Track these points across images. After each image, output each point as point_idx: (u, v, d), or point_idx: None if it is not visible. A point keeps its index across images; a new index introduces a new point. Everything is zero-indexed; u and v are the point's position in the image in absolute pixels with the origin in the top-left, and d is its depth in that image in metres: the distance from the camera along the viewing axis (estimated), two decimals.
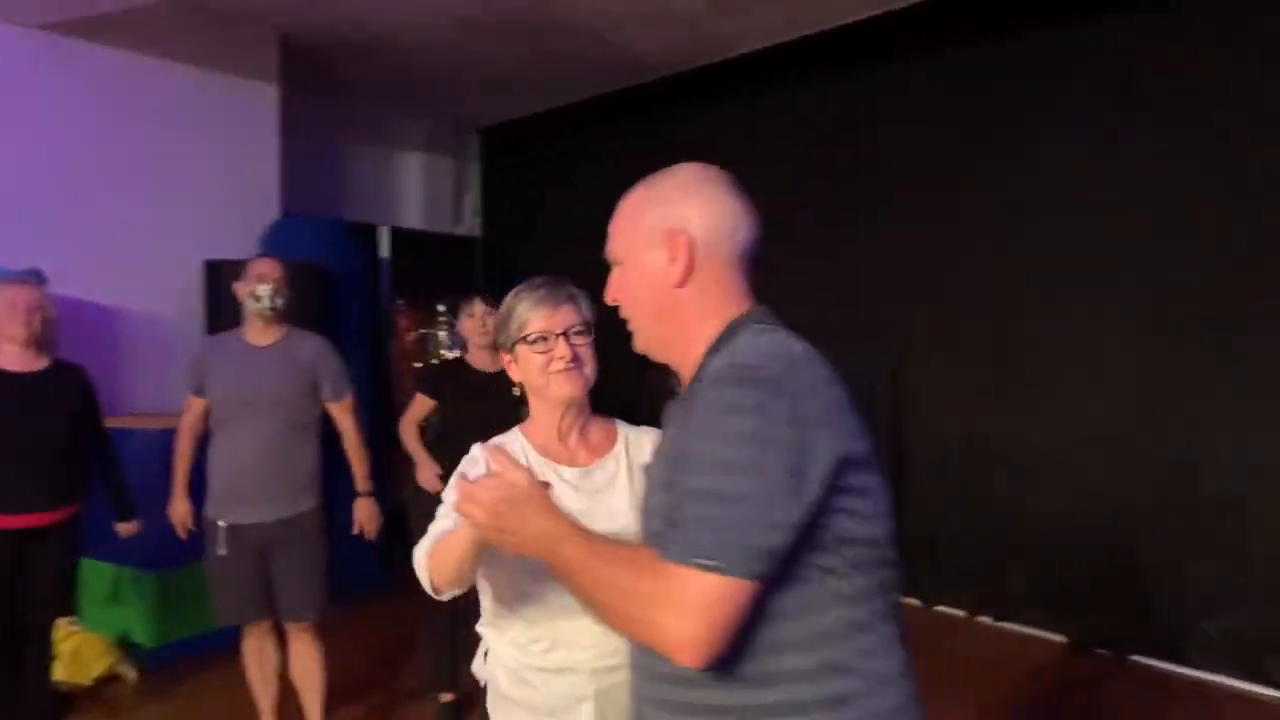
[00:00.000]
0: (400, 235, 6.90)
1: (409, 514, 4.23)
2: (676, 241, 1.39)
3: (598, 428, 1.93)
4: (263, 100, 5.96)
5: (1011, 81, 5.22)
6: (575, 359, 1.84)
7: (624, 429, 1.95)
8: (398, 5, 5.54)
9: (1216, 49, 4.54)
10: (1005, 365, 5.30)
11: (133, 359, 5.38)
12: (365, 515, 3.78)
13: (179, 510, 3.75)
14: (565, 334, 1.84)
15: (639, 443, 1.92)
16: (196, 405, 3.67)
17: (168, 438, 4.73)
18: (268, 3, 5.51)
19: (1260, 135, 4.39)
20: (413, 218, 7.75)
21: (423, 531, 1.78)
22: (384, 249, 6.69)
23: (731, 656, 1.24)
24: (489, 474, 1.38)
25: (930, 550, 5.54)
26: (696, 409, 1.28)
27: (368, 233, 6.47)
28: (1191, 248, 4.61)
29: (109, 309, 5.25)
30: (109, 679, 4.48)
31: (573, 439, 1.90)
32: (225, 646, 4.73)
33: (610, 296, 1.49)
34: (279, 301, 3.61)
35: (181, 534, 3.75)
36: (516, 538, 1.32)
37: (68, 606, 3.92)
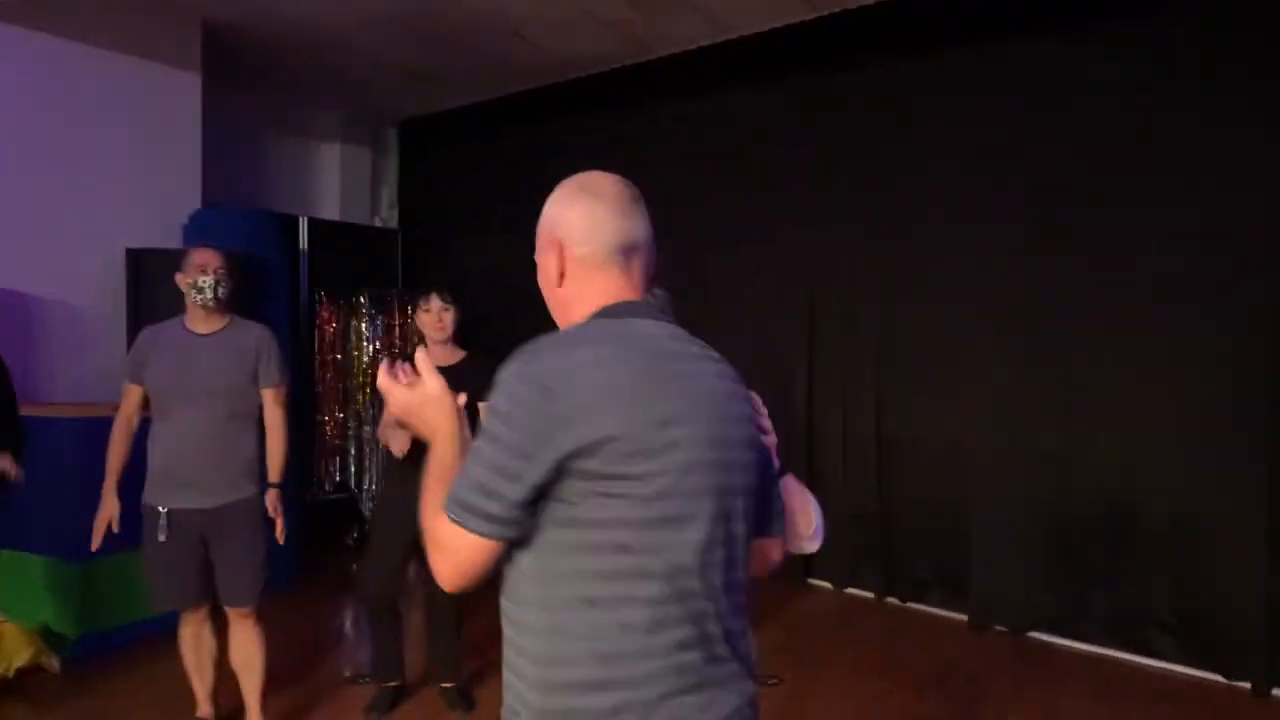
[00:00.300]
0: (318, 226, 6.88)
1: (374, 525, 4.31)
2: (554, 246, 1.60)
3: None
4: (185, 88, 5.89)
5: (905, 97, 5.53)
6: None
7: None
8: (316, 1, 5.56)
9: (1081, 68, 4.89)
10: (902, 363, 5.61)
11: (51, 348, 5.29)
12: (274, 506, 3.71)
13: (110, 508, 3.66)
14: None
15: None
16: (134, 394, 3.66)
17: (86, 426, 4.73)
18: None
19: (1129, 150, 4.75)
20: (330, 209, 7.73)
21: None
22: (303, 240, 6.67)
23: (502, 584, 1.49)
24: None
25: (841, 537, 5.82)
26: None
27: (289, 224, 6.44)
28: (1064, 249, 4.96)
29: (26, 296, 5.16)
30: (31, 670, 4.43)
31: None
32: (151, 637, 4.75)
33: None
34: (222, 291, 3.64)
35: (96, 539, 3.67)
36: (419, 422, 1.58)
37: None
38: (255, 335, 3.73)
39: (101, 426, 4.70)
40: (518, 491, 1.37)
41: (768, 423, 1.68)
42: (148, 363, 3.63)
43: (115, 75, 5.57)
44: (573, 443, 1.35)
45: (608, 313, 1.55)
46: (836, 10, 5.59)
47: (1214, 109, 4.54)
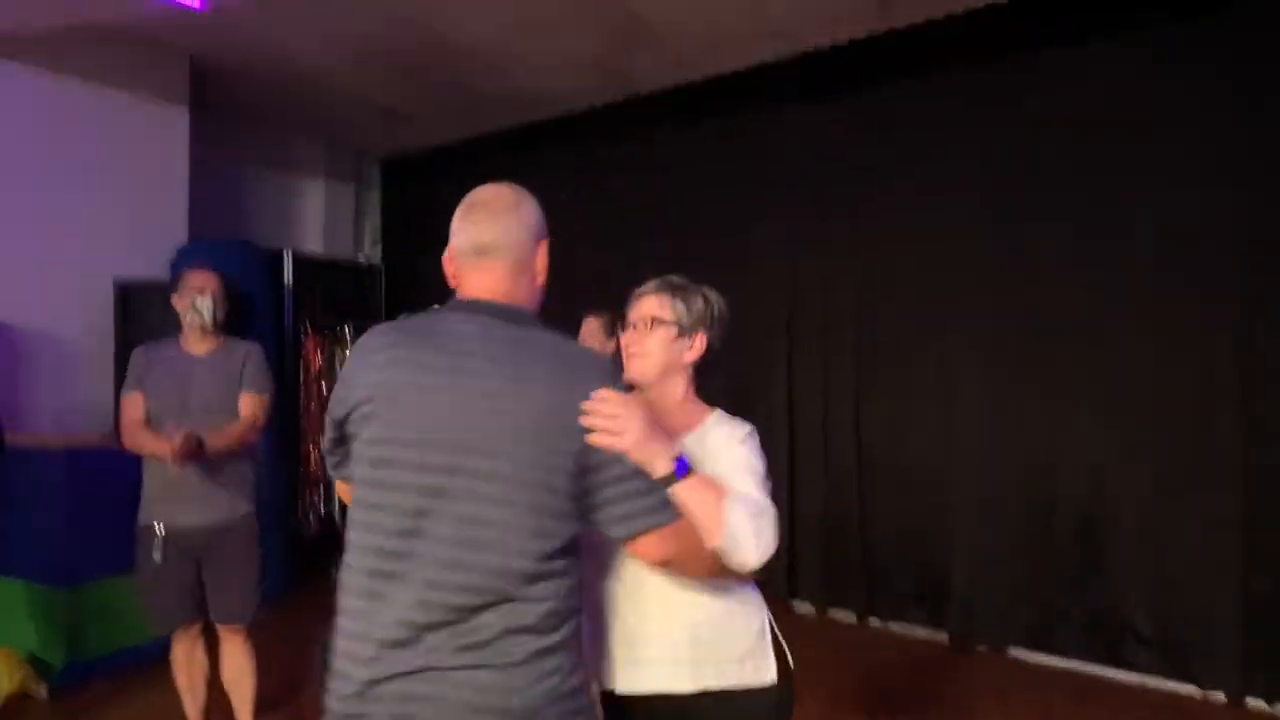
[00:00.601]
0: (303, 261, 6.95)
1: None
2: None
3: (682, 412, 2.12)
4: (173, 123, 5.99)
5: (881, 127, 5.71)
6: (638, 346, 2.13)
7: (714, 418, 2.12)
8: (303, 35, 5.69)
9: (1054, 88, 5.09)
10: (882, 383, 5.74)
11: (37, 379, 5.33)
12: (182, 440, 3.39)
13: (175, 438, 3.41)
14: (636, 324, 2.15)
15: (712, 434, 2.08)
16: (138, 400, 3.63)
17: (72, 456, 4.77)
18: (179, 26, 5.59)
19: (1106, 169, 4.94)
20: (314, 244, 7.81)
21: None
22: (288, 275, 6.74)
23: None
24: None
25: (822, 559, 5.91)
26: None
27: (274, 258, 6.52)
28: (1040, 266, 5.13)
29: (12, 328, 5.20)
30: (19, 697, 4.42)
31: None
32: (139, 664, 4.76)
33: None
34: (219, 313, 3.72)
35: (178, 454, 3.38)
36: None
37: None
38: (244, 351, 3.80)
39: (87, 456, 4.78)
40: (326, 442, 1.88)
41: (611, 423, 1.68)
42: (145, 378, 3.68)
43: (104, 109, 5.66)
44: (345, 407, 1.76)
45: (444, 305, 1.84)
46: (798, 52, 5.78)
47: (1187, 137, 4.73)
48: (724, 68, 6.08)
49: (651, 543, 1.74)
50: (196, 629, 3.78)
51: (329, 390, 6.81)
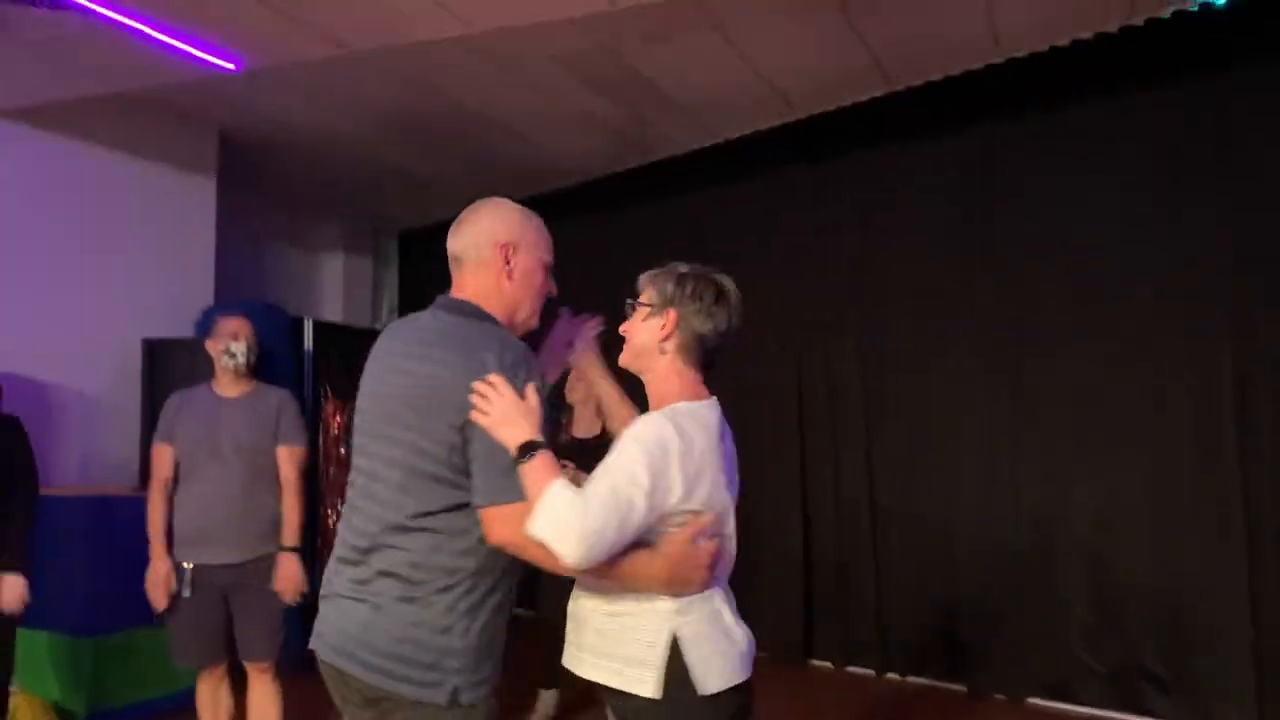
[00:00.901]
0: (323, 328, 7.10)
1: None
2: None
3: (659, 396, 2.15)
4: (201, 193, 6.22)
5: (885, 185, 5.91)
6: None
7: (669, 407, 2.08)
8: (327, 108, 5.92)
9: (1046, 149, 5.28)
10: (890, 436, 5.84)
11: (65, 433, 5.44)
12: (287, 573, 3.74)
13: (160, 570, 3.68)
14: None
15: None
16: (166, 454, 3.80)
17: (96, 504, 4.87)
18: (209, 101, 5.84)
19: (1102, 210, 5.10)
20: (333, 312, 7.99)
21: None
22: (308, 340, 6.88)
23: None
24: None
25: (839, 615, 5.92)
26: None
27: (295, 324, 6.68)
28: (1042, 315, 5.27)
29: (43, 383, 5.33)
30: None
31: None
32: (162, 715, 4.78)
33: None
34: (251, 357, 3.86)
35: (160, 601, 3.67)
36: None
37: (7, 664, 3.90)
38: (278, 397, 3.93)
39: (111, 505, 4.88)
40: None
41: (483, 403, 1.88)
42: (177, 424, 3.81)
43: (137, 178, 5.88)
44: None
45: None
46: (814, 113, 6.00)
47: (1180, 182, 4.91)
48: (735, 132, 6.29)
49: (491, 518, 1.90)
50: (222, 669, 3.83)
51: (348, 452, 6.90)
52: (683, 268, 2.17)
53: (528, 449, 1.86)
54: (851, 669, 5.89)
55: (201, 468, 3.76)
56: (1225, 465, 4.70)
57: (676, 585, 1.94)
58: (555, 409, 4.84)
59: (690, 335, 2.10)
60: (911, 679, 5.66)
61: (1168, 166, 4.97)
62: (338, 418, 6.83)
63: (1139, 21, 4.76)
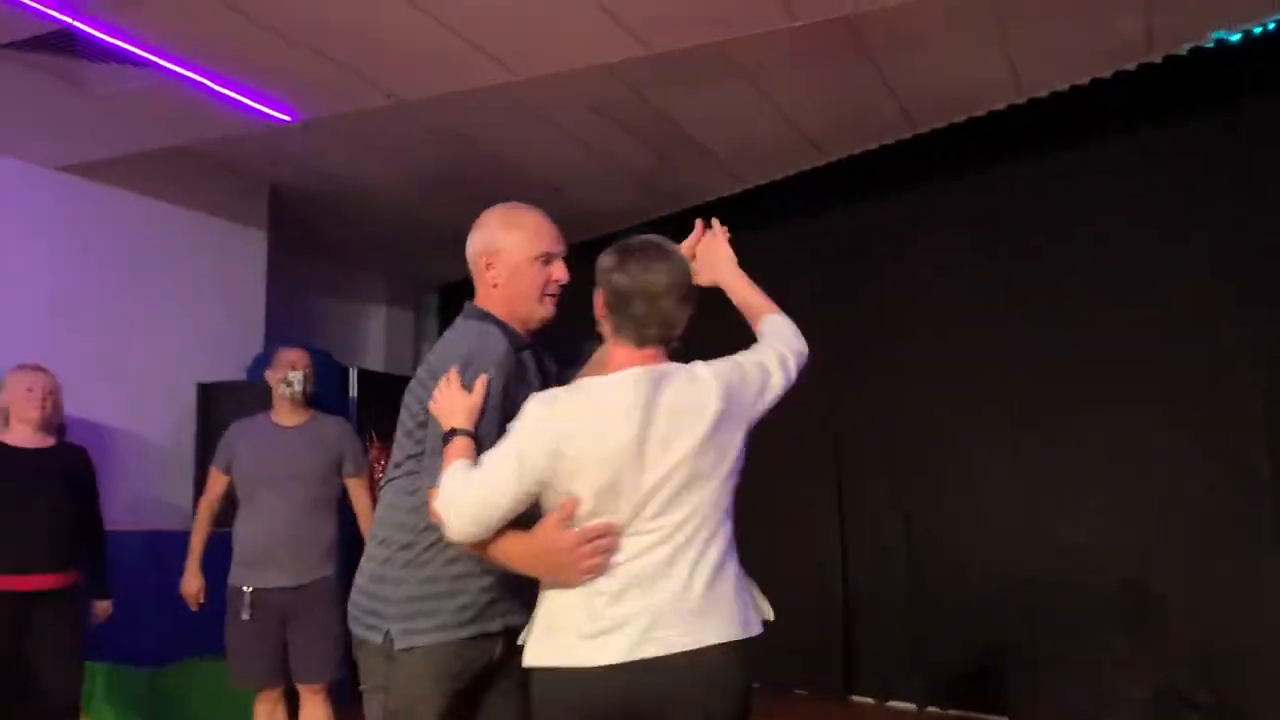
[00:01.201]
0: (367, 376, 7.31)
1: None
2: None
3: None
4: (253, 244, 6.48)
5: (912, 227, 6.08)
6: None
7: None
8: (372, 163, 6.16)
9: (1070, 193, 5.43)
10: (930, 469, 5.91)
11: (120, 475, 5.60)
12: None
13: (192, 584, 4.00)
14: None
15: None
16: (220, 481, 4.00)
17: (151, 538, 5.04)
18: (262, 157, 6.10)
19: (1132, 252, 5.22)
20: (376, 362, 8.20)
21: None
22: (353, 388, 7.09)
23: None
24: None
25: (879, 649, 5.95)
26: None
27: (340, 372, 6.88)
28: (1074, 353, 5.37)
29: (102, 426, 5.53)
30: None
31: None
32: None
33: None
34: (309, 387, 4.04)
35: (194, 605, 3.99)
36: None
37: (76, 685, 4.03)
38: (338, 429, 4.10)
39: (166, 539, 5.04)
40: None
41: (437, 393, 2.08)
42: (236, 452, 3.98)
43: (193, 231, 6.16)
44: None
45: None
46: (841, 156, 6.18)
47: (1201, 218, 5.04)
48: (763, 177, 6.48)
49: (432, 498, 2.00)
50: (278, 692, 3.94)
51: None
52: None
53: (449, 435, 2.01)
54: (893, 704, 5.90)
55: (260, 494, 3.92)
56: (1258, 491, 4.74)
57: (546, 572, 1.95)
58: None
59: (609, 311, 2.06)
60: (953, 712, 5.67)
61: (1188, 202, 5.11)
62: (381, 461, 7.00)
63: (1157, 59, 4.92)
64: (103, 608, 4.05)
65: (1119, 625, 5.10)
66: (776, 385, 2.14)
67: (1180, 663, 4.89)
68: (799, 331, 2.26)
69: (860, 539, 6.13)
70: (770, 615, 2.04)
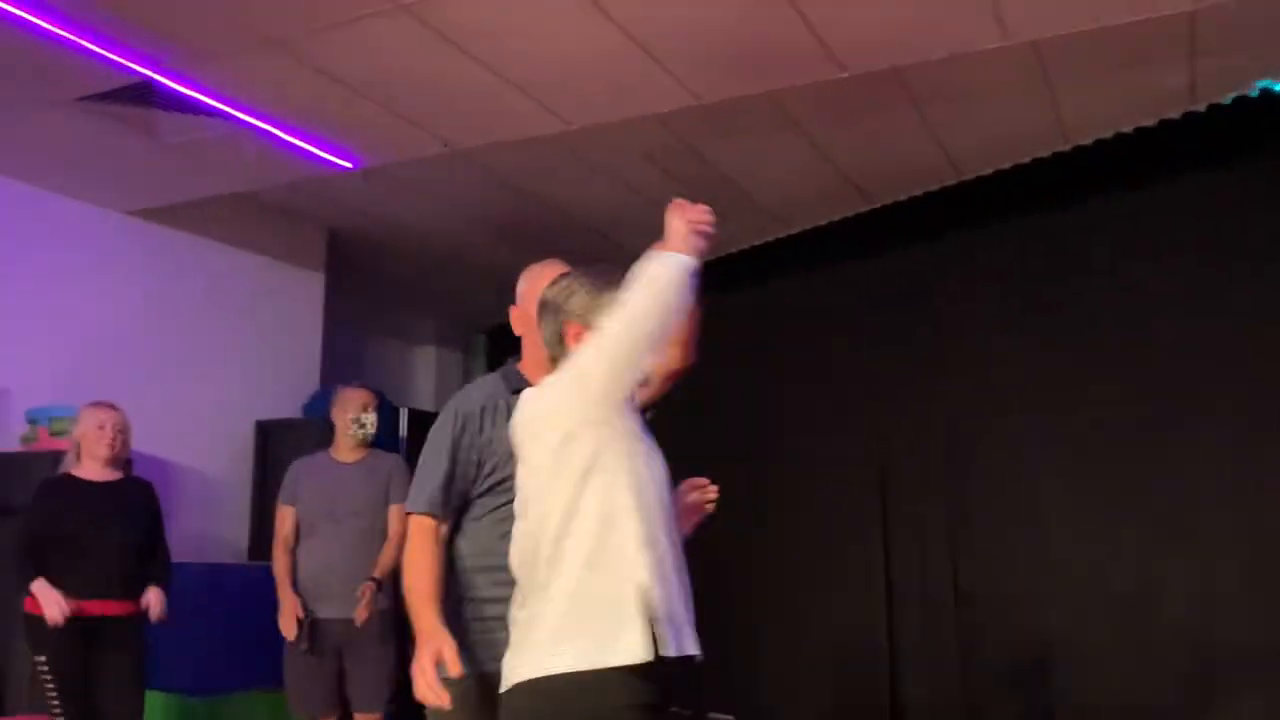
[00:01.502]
0: (416, 416, 7.46)
1: None
2: None
3: None
4: (311, 286, 6.68)
5: (966, 272, 6.13)
6: None
7: None
8: (425, 206, 6.32)
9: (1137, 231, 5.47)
10: (973, 521, 5.90)
11: (180, 507, 5.75)
12: (369, 589, 4.05)
13: (289, 607, 4.07)
14: None
15: None
16: (289, 515, 4.14)
17: (212, 572, 5.19)
18: (321, 202, 6.30)
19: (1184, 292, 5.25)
20: (425, 402, 8.35)
21: None
22: (403, 428, 7.23)
23: None
24: None
25: (926, 701, 5.91)
26: None
27: (391, 411, 7.03)
28: (1131, 397, 5.37)
29: (164, 461, 5.69)
30: None
31: None
32: None
33: None
34: (376, 428, 4.18)
35: (292, 631, 4.04)
36: None
37: (138, 712, 4.15)
38: (391, 462, 4.23)
39: (224, 572, 5.19)
40: None
41: None
42: (300, 488, 4.12)
43: (254, 273, 6.38)
44: None
45: None
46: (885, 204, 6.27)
47: (1253, 268, 5.07)
48: (807, 224, 6.58)
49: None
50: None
51: None
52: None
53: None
54: None
55: (319, 528, 4.05)
56: None
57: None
58: None
59: None
60: None
61: (1235, 249, 5.13)
62: None
63: (1201, 108, 4.97)
64: (155, 602, 4.05)
65: (1185, 674, 5.01)
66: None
67: (1252, 711, 4.80)
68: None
69: (910, 591, 6.09)
70: None
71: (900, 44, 4.25)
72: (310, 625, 3.95)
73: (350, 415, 4.16)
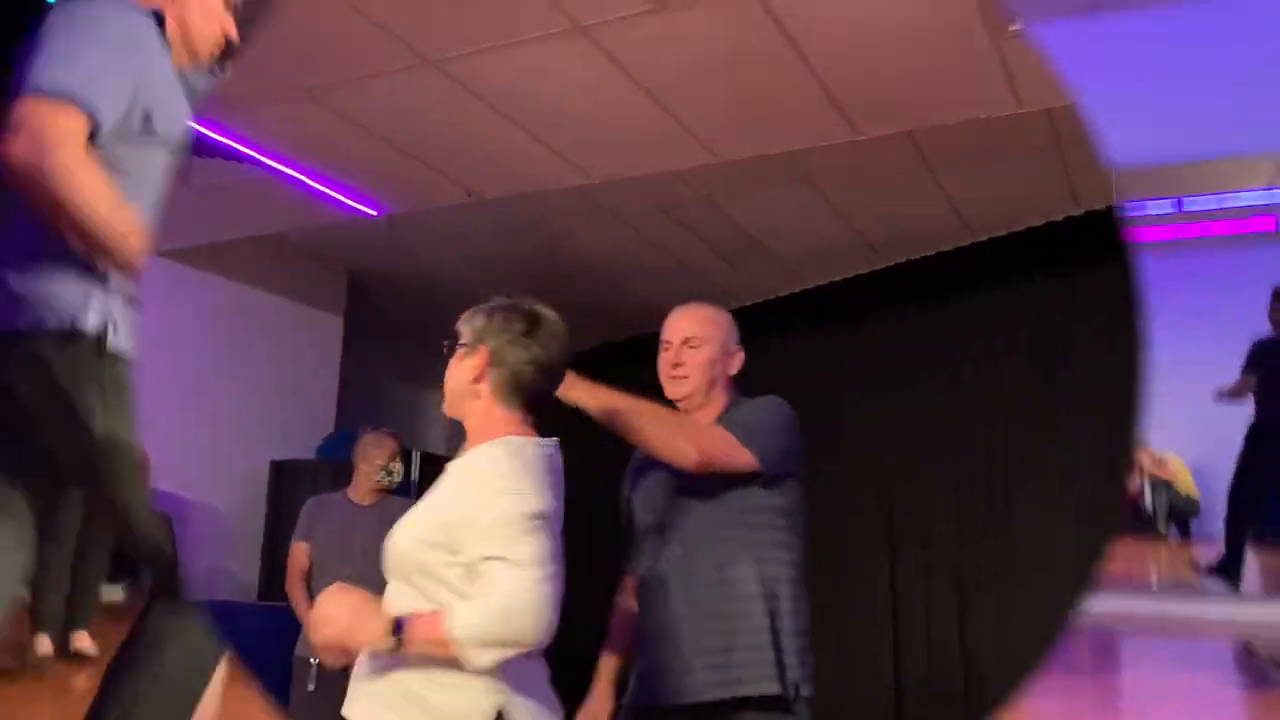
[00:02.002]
0: (428, 458, 7.52)
1: None
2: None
3: None
4: (330, 328, 6.77)
5: (975, 328, 6.21)
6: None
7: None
8: (442, 252, 6.42)
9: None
10: (980, 566, 5.93)
11: (193, 545, 5.82)
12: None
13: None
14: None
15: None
16: (302, 551, 4.16)
17: (220, 608, 5.16)
18: (343, 245, 6.42)
19: None
20: (437, 445, 8.40)
21: None
22: (415, 470, 7.29)
23: None
24: None
25: None
26: None
27: (405, 454, 7.08)
28: None
29: (179, 498, 5.75)
30: None
31: None
32: None
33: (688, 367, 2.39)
34: (401, 476, 4.25)
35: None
36: None
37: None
38: (404, 506, 4.25)
39: (237, 610, 5.22)
40: None
41: None
42: (314, 525, 4.17)
43: (274, 314, 6.46)
44: None
45: None
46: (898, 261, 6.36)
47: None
48: (820, 279, 6.67)
49: None
50: None
51: None
52: (497, 301, 1.95)
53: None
54: None
55: (331, 568, 4.07)
56: None
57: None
58: None
59: (505, 371, 1.83)
60: None
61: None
62: None
63: None
64: None
65: None
66: None
67: None
68: None
69: (916, 638, 6.11)
70: None
71: (914, 107, 4.36)
72: (318, 665, 3.97)
73: (379, 463, 4.21)
